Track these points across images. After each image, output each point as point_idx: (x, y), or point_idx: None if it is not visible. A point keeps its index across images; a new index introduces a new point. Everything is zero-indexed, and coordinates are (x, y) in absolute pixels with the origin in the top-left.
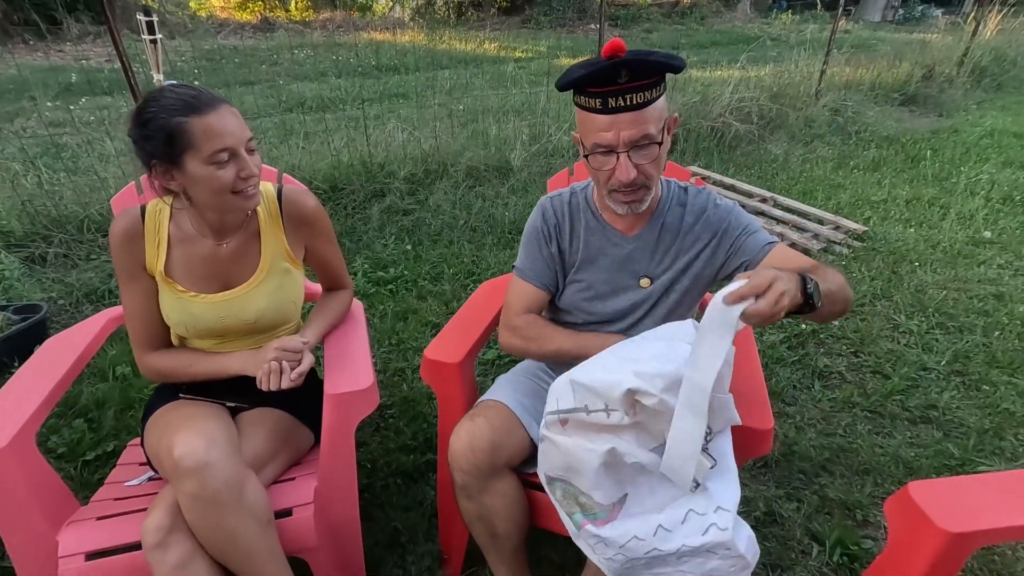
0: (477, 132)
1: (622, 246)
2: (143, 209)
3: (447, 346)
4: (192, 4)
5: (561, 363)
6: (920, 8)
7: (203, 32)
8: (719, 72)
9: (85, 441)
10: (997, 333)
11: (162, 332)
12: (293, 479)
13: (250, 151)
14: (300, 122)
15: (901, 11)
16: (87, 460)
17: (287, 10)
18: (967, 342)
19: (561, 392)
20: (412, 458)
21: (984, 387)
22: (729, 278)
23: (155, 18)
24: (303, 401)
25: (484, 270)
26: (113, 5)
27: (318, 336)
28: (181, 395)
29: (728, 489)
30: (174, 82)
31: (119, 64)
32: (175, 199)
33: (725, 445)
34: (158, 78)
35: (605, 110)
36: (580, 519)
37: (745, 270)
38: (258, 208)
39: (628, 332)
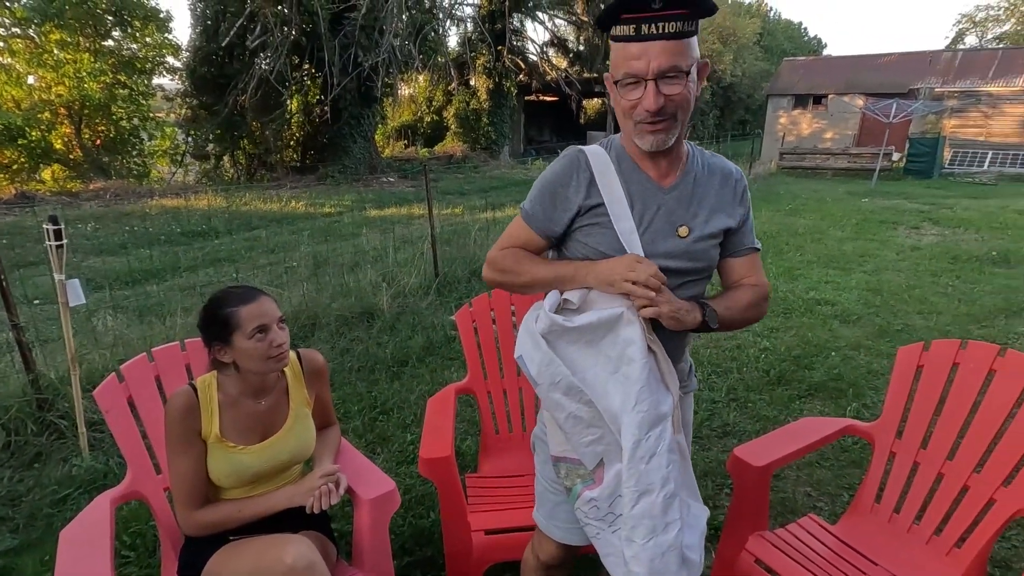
0: (339, 284)
1: (659, 195)
2: (193, 386)
3: (434, 447)
4: None
5: (537, 292)
6: None
7: None
8: (510, 210)
9: None
10: (745, 369)
11: (205, 491)
12: None
13: (280, 327)
14: (126, 298)
15: None
16: None
17: (42, 181)
18: (731, 379)
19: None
20: (397, 562)
21: (749, 404)
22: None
23: (62, 226)
24: (321, 522)
25: (386, 401)
26: None
27: (332, 461)
28: (231, 538)
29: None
30: (231, 285)
31: None
32: (221, 370)
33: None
34: (60, 277)
35: (637, 37)
36: (579, 489)
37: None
38: (285, 371)
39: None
